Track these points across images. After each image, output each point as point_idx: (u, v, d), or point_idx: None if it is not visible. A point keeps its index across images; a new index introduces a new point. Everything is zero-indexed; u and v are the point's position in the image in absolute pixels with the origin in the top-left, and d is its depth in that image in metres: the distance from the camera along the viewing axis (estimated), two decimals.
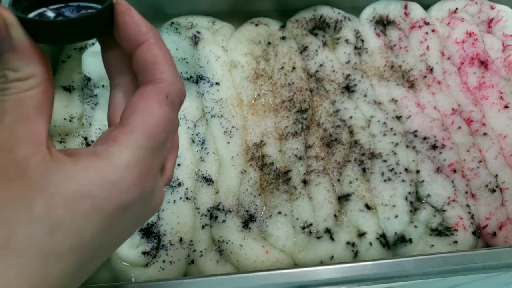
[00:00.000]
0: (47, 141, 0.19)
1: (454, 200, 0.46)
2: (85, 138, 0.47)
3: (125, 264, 0.42)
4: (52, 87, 0.20)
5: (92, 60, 0.50)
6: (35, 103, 0.19)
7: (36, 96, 0.19)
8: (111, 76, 0.24)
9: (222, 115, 0.50)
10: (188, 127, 0.49)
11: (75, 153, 0.19)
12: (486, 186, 0.48)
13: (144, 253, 0.41)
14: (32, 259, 0.17)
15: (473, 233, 0.45)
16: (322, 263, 0.42)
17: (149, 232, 0.43)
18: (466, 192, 0.47)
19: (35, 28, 0.18)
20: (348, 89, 0.53)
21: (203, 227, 0.44)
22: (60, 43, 0.20)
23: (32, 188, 0.17)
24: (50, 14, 0.20)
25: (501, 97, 0.54)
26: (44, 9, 0.20)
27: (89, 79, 0.50)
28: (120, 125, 0.20)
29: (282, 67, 0.54)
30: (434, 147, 0.50)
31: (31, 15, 0.20)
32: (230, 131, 0.49)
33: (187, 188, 0.45)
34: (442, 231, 0.45)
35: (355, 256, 0.42)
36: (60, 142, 0.47)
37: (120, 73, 0.23)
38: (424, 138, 0.50)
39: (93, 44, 0.53)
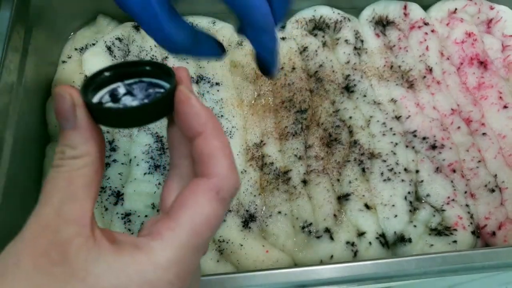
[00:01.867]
0: (91, 222, 0.19)
1: (453, 199, 0.46)
2: None
3: None
4: (102, 168, 0.21)
5: (93, 60, 0.50)
6: (84, 182, 0.19)
7: (87, 175, 0.19)
8: (172, 155, 0.23)
9: (222, 115, 0.50)
10: None
11: (118, 240, 0.19)
12: (486, 185, 0.48)
13: None
14: None
15: (473, 232, 0.45)
16: (321, 262, 0.42)
17: None
18: (466, 192, 0.48)
19: (97, 112, 0.20)
20: (348, 89, 0.54)
21: None
22: (120, 127, 0.21)
23: (72, 278, 0.17)
24: (122, 90, 0.21)
25: (500, 97, 0.54)
26: (118, 83, 0.21)
27: None
28: (167, 216, 0.20)
29: (282, 67, 0.54)
30: (433, 147, 0.50)
31: (105, 90, 0.21)
32: (230, 131, 0.49)
33: None
34: (442, 230, 0.45)
35: (355, 256, 0.43)
36: None
37: (181, 155, 0.23)
38: (424, 138, 0.50)
39: (93, 44, 0.53)
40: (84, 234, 0.18)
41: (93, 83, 0.21)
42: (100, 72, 0.21)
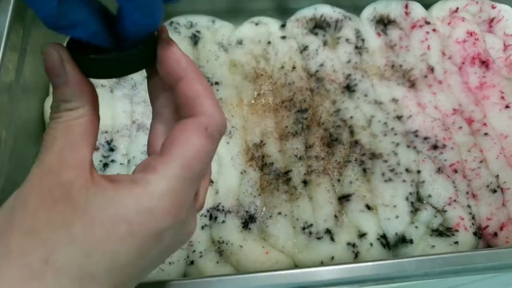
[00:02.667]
0: (90, 166, 0.20)
1: (455, 200, 0.46)
2: None
3: None
4: (97, 119, 0.22)
5: None
6: (81, 130, 0.21)
7: (83, 124, 0.21)
8: (154, 105, 0.25)
9: None
10: None
11: (115, 179, 0.20)
12: (487, 186, 0.48)
13: None
14: (69, 279, 0.18)
15: (474, 233, 0.45)
16: (322, 263, 0.41)
17: None
18: (467, 193, 0.47)
19: (85, 64, 0.21)
20: (349, 88, 0.53)
21: (202, 227, 0.43)
22: (109, 77, 0.21)
23: (73, 211, 0.19)
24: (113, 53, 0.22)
25: (502, 97, 0.53)
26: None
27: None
28: (160, 155, 0.21)
29: (282, 67, 0.54)
30: (435, 147, 0.49)
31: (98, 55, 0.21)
32: (230, 131, 0.49)
33: None
34: (443, 231, 0.44)
35: (356, 257, 0.42)
36: None
37: (163, 104, 0.24)
38: (425, 138, 0.50)
39: None
40: (83, 176, 0.20)
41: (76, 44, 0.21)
42: None
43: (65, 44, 0.21)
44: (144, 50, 0.22)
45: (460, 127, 0.51)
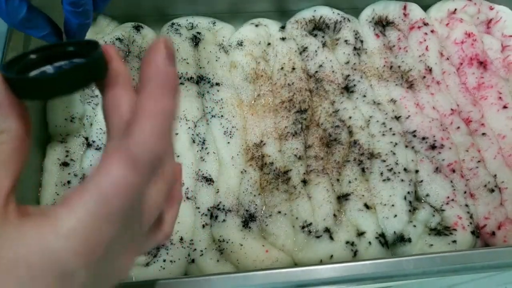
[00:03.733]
0: (6, 198, 0.18)
1: (453, 199, 0.46)
2: (86, 139, 0.48)
3: None
4: (25, 145, 0.19)
5: None
6: (1, 157, 0.19)
7: (4, 152, 0.19)
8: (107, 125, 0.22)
9: (222, 115, 0.50)
10: (189, 127, 0.49)
11: (29, 212, 0.18)
12: (485, 186, 0.48)
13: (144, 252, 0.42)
14: None
15: (472, 232, 0.45)
16: (321, 262, 0.42)
17: None
18: (465, 192, 0.48)
19: (18, 84, 0.19)
20: (348, 89, 0.54)
21: (203, 226, 0.44)
22: (42, 99, 0.20)
23: None
24: (51, 71, 0.20)
25: (500, 98, 0.54)
26: (48, 66, 0.20)
27: None
28: (82, 182, 0.19)
29: (282, 68, 0.54)
30: (433, 147, 0.50)
31: (33, 73, 0.20)
32: (230, 131, 0.49)
33: (187, 188, 0.45)
34: (441, 230, 0.45)
35: (355, 256, 0.43)
36: (61, 142, 0.47)
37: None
38: (423, 138, 0.50)
39: None
40: None
41: (19, 64, 0.20)
42: (26, 54, 0.20)
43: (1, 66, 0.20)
44: (82, 68, 0.19)
45: (458, 127, 0.52)
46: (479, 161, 0.49)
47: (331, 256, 0.42)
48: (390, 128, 0.50)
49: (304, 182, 0.47)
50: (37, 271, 0.17)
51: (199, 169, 0.47)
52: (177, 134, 0.48)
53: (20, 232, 0.17)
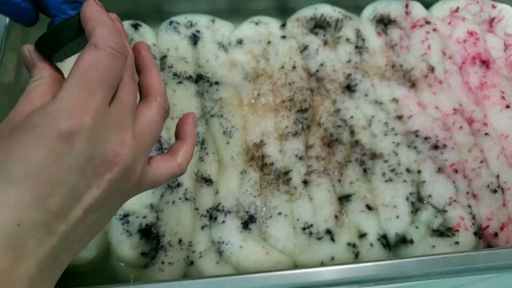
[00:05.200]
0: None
1: (455, 200, 0.46)
2: None
3: (124, 265, 0.41)
4: (58, 85, 0.26)
5: None
6: (39, 92, 0.25)
7: (41, 87, 0.25)
8: None
9: (221, 115, 0.49)
10: None
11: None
12: (488, 186, 0.48)
13: (143, 254, 0.41)
14: None
15: (475, 233, 0.45)
16: (322, 264, 0.41)
17: (148, 233, 0.42)
18: (468, 193, 0.47)
19: (40, 47, 0.27)
20: (349, 88, 0.53)
21: (202, 228, 0.43)
22: (56, 49, 0.27)
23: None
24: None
25: (503, 97, 0.53)
26: None
27: None
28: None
29: (282, 67, 0.54)
30: (435, 147, 0.49)
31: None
32: (230, 131, 0.49)
33: (186, 189, 0.45)
34: (444, 231, 0.44)
35: (356, 257, 0.42)
36: None
37: None
38: (426, 138, 0.50)
39: None
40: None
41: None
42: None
43: (34, 44, 0.27)
44: (69, 21, 0.27)
45: (461, 127, 0.51)
46: (481, 161, 0.49)
47: (333, 258, 0.42)
48: (392, 128, 0.50)
49: (305, 182, 0.46)
50: (40, 130, 0.22)
51: (198, 170, 0.47)
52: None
53: (32, 111, 0.23)
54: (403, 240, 0.44)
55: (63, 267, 0.24)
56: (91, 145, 0.22)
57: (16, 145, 0.22)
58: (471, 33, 0.57)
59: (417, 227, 0.44)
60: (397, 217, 0.44)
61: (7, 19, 0.45)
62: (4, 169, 0.21)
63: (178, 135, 0.31)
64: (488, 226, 0.46)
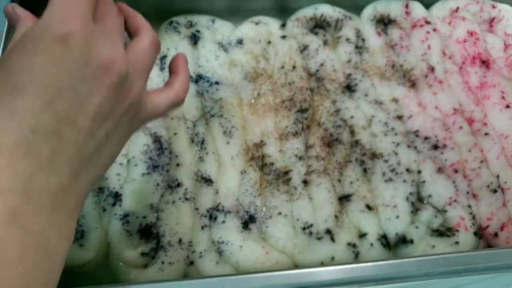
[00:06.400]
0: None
1: (455, 200, 0.46)
2: None
3: (124, 265, 0.41)
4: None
5: None
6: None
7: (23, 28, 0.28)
8: None
9: (221, 115, 0.49)
10: (188, 127, 0.48)
11: None
12: (488, 186, 0.47)
13: (143, 254, 0.41)
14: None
15: (475, 233, 0.45)
16: (322, 264, 0.41)
17: (148, 233, 0.42)
18: (468, 193, 0.47)
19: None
20: (349, 88, 0.53)
21: (202, 227, 0.43)
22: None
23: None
24: None
25: (503, 97, 0.53)
26: None
27: None
28: None
29: (282, 66, 0.54)
30: (435, 147, 0.49)
31: None
32: (230, 131, 0.49)
33: (186, 189, 0.45)
34: (444, 231, 0.44)
35: (356, 257, 0.42)
36: None
37: None
38: (426, 138, 0.50)
39: None
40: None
41: None
42: None
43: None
44: None
45: (461, 127, 0.51)
46: (481, 161, 0.49)
47: (332, 258, 0.42)
48: (392, 128, 0.50)
49: (305, 182, 0.46)
50: (40, 30, 0.24)
51: (198, 170, 0.47)
52: (175, 134, 0.48)
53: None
54: (403, 240, 0.44)
55: (84, 189, 0.25)
56: (86, 49, 0.24)
57: (16, 58, 0.23)
58: (471, 33, 0.57)
59: (417, 227, 0.44)
60: (397, 217, 0.44)
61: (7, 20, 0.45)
62: (9, 80, 0.22)
63: (172, 71, 0.33)
64: (488, 226, 0.46)
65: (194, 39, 0.55)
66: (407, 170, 0.47)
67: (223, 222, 0.43)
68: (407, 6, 0.59)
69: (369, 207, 0.45)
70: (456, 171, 0.48)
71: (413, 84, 0.54)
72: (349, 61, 0.55)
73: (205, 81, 0.52)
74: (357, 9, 0.59)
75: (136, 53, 0.28)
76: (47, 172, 0.22)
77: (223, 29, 0.56)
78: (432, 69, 0.55)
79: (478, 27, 0.58)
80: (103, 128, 0.25)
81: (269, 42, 0.56)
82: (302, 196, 0.45)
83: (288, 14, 0.59)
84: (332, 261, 0.42)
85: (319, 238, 0.43)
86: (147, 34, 0.30)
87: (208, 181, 0.46)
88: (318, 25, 0.58)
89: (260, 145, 0.49)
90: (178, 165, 0.46)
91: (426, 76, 0.54)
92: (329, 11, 0.57)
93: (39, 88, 0.22)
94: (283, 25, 0.58)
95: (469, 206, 0.46)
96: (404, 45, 0.57)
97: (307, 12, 0.58)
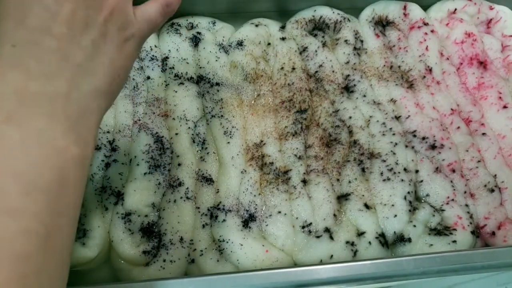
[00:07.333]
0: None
1: (453, 199, 0.46)
2: None
3: (126, 263, 0.42)
4: None
5: None
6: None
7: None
8: None
9: (222, 115, 0.50)
10: (189, 127, 0.49)
11: None
12: (485, 185, 0.48)
13: (144, 252, 0.42)
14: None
15: (472, 232, 0.45)
16: (321, 262, 0.42)
17: (150, 232, 0.43)
18: (465, 192, 0.48)
19: None
20: (348, 89, 0.54)
21: (203, 226, 0.44)
22: None
23: None
24: None
25: (500, 97, 0.54)
26: None
27: None
28: None
29: (282, 68, 0.54)
30: (433, 147, 0.50)
31: None
32: (230, 131, 0.49)
33: (187, 188, 0.45)
34: (441, 230, 0.45)
35: (354, 256, 0.43)
36: None
37: None
38: (423, 138, 0.50)
39: None
40: None
41: None
42: None
43: None
44: None
45: (458, 127, 0.52)
46: (479, 161, 0.50)
47: (331, 256, 0.42)
48: (390, 128, 0.51)
49: (304, 182, 0.47)
50: None
51: (199, 169, 0.47)
52: (177, 134, 0.48)
53: None
54: (401, 239, 0.44)
55: (89, 100, 0.26)
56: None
57: None
58: (468, 34, 0.58)
59: (414, 226, 0.44)
60: (395, 216, 0.45)
61: None
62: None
63: None
64: (485, 225, 0.46)
65: (195, 40, 0.55)
66: (405, 169, 0.48)
67: (224, 220, 0.44)
68: (405, 7, 0.59)
69: (367, 206, 0.45)
70: (453, 171, 0.48)
71: (411, 85, 0.55)
72: (347, 62, 0.55)
73: (206, 82, 0.53)
74: (356, 11, 0.60)
75: None
76: (39, 79, 0.24)
77: (224, 31, 0.57)
78: (430, 70, 0.55)
79: (475, 29, 0.59)
80: (87, 36, 0.26)
81: (269, 44, 0.57)
82: (301, 195, 0.45)
83: (287, 16, 0.59)
84: (330, 259, 0.42)
85: (318, 237, 0.43)
86: None
87: (209, 180, 0.46)
88: (317, 27, 0.58)
89: (260, 145, 0.49)
90: (179, 164, 0.46)
91: (424, 77, 0.55)
92: (328, 13, 0.58)
93: (12, 10, 0.24)
94: (283, 27, 0.58)
95: (467, 205, 0.47)
96: (402, 47, 0.57)
97: (306, 14, 0.58)
